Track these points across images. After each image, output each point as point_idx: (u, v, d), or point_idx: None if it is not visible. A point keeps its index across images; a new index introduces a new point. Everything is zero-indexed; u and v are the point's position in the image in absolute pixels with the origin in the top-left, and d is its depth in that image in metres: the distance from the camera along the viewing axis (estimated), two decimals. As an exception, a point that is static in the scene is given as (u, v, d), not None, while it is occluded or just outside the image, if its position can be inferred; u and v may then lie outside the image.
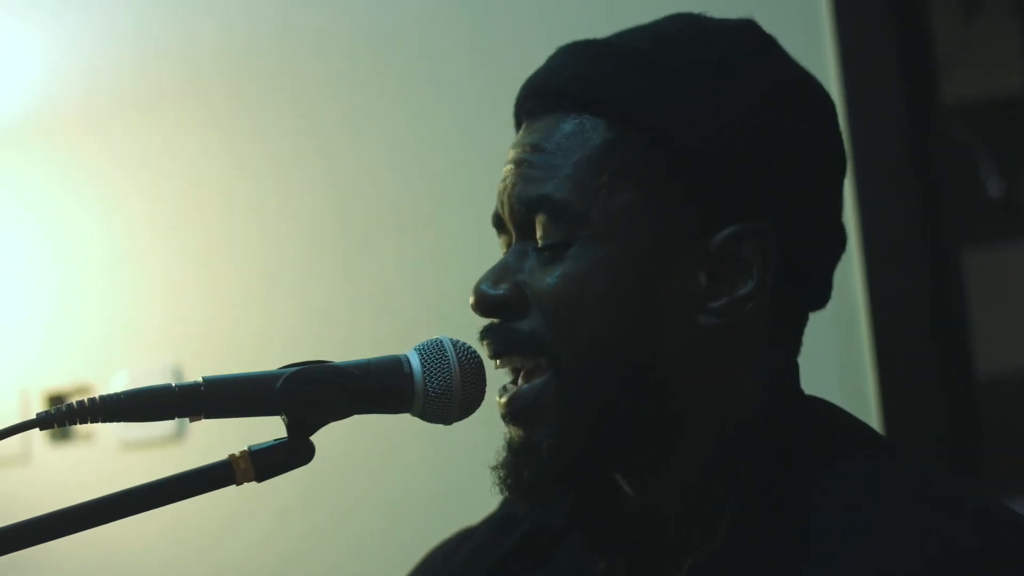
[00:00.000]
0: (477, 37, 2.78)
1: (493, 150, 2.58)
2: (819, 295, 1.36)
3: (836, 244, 1.36)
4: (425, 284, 2.75)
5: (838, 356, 2.40)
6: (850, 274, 2.38)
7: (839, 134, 1.36)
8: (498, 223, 1.36)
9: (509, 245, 1.35)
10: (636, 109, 1.27)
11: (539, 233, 1.29)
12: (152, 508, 1.15)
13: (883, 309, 2.37)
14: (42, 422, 1.13)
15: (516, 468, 1.29)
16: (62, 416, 1.12)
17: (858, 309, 2.39)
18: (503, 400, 1.31)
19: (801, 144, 1.30)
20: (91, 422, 1.14)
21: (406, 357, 1.26)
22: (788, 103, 1.31)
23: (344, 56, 2.89)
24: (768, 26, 1.37)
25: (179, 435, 2.89)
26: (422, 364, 1.25)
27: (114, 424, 2.79)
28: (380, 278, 2.81)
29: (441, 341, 1.27)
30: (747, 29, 1.35)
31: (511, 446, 1.31)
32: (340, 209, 2.85)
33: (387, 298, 2.79)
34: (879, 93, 2.39)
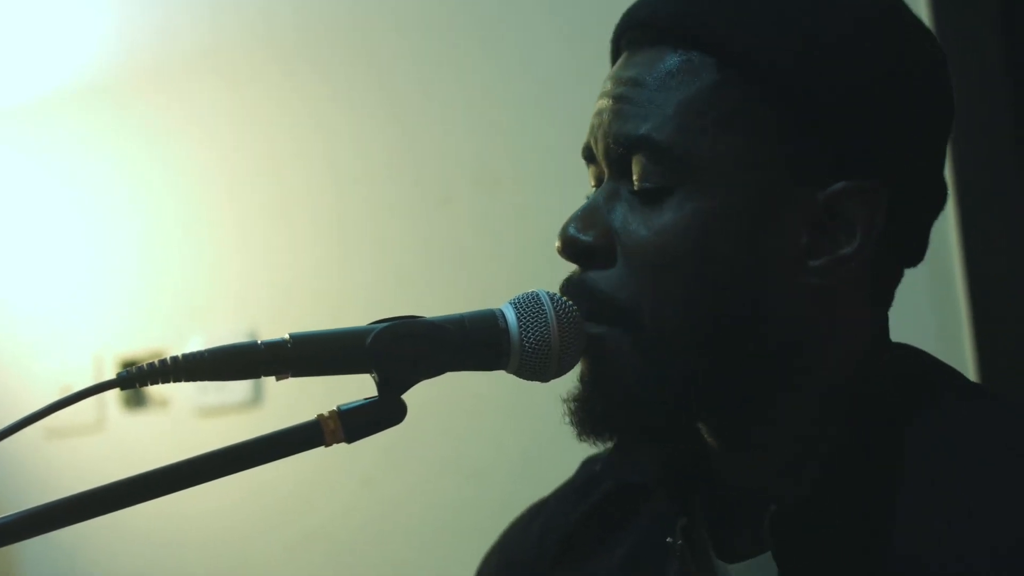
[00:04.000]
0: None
1: (573, 105, 2.57)
2: (917, 252, 1.29)
3: (939, 202, 1.29)
4: (505, 243, 2.71)
5: (933, 311, 2.32)
6: (945, 227, 2.30)
7: (950, 88, 1.28)
8: (589, 155, 1.29)
9: (599, 178, 1.27)
10: (750, 49, 1.19)
11: (636, 174, 1.21)
12: (237, 471, 1.10)
13: (979, 261, 2.32)
14: (123, 382, 1.08)
15: (588, 401, 1.23)
16: (143, 375, 1.08)
17: (953, 263, 2.31)
18: None
19: (914, 98, 1.23)
20: (173, 381, 1.09)
21: (501, 311, 1.20)
22: (902, 56, 1.23)
23: (420, 12, 2.84)
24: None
25: (256, 400, 2.87)
26: (518, 318, 1.19)
27: (189, 390, 2.84)
28: (458, 238, 2.77)
29: (537, 294, 1.21)
30: None
31: (583, 380, 1.24)
32: (417, 168, 2.81)
33: (466, 258, 2.75)
34: (974, 33, 2.31)
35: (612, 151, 1.23)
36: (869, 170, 1.19)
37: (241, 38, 2.99)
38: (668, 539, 1.29)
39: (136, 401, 3.01)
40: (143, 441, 2.98)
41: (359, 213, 2.86)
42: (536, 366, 1.20)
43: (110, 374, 2.98)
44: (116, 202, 3.12)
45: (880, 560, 1.12)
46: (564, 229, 1.24)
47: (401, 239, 2.81)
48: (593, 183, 1.29)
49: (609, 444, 1.27)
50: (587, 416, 1.23)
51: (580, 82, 2.66)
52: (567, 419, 1.24)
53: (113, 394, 2.99)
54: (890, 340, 1.28)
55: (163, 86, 3.07)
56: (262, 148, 2.97)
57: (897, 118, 1.20)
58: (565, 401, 1.25)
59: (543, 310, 1.20)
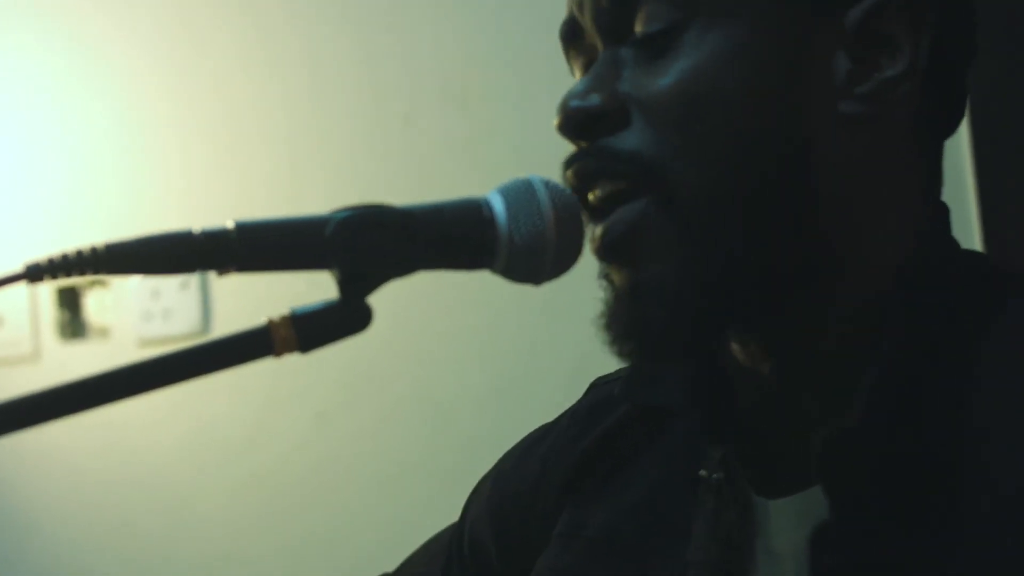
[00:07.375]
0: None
1: (543, 15, 2.45)
2: (956, 108, 1.18)
3: (973, 45, 1.17)
4: (473, 165, 2.59)
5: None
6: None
7: None
8: (569, 34, 1.15)
9: (587, 63, 1.15)
10: None
11: (640, 23, 1.08)
12: (172, 384, 0.98)
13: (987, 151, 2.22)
14: (31, 274, 0.95)
15: (636, 308, 1.07)
16: (55, 267, 0.95)
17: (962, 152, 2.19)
18: (598, 231, 1.09)
19: None
20: (92, 274, 0.97)
21: (486, 200, 1.06)
22: None
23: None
24: None
25: (204, 330, 2.80)
26: (507, 207, 1.05)
27: (131, 318, 2.72)
28: (421, 159, 2.66)
29: (530, 180, 1.06)
30: None
31: (618, 292, 1.09)
32: (375, 81, 2.71)
33: (429, 181, 2.63)
34: None
35: (605, 7, 1.10)
36: None
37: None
38: (702, 472, 1.15)
39: (74, 331, 2.95)
40: (82, 373, 2.83)
41: (311, 131, 2.78)
42: (528, 265, 1.05)
43: (48, 303, 2.89)
44: (50, 123, 3.08)
45: (946, 488, 0.99)
46: (563, 102, 1.09)
47: (357, 160, 2.73)
48: (579, 74, 1.16)
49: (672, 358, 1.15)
50: (641, 325, 1.07)
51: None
52: (612, 340, 1.09)
53: (49, 323, 2.94)
54: (951, 236, 1.15)
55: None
56: (205, 61, 2.90)
57: None
58: (601, 318, 1.09)
59: (536, 198, 1.04)
